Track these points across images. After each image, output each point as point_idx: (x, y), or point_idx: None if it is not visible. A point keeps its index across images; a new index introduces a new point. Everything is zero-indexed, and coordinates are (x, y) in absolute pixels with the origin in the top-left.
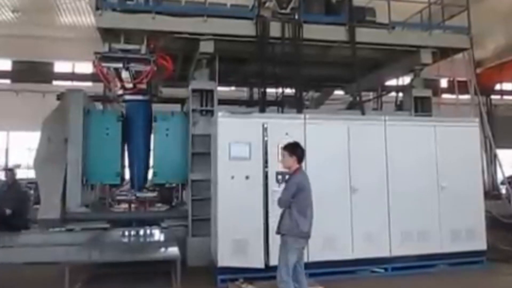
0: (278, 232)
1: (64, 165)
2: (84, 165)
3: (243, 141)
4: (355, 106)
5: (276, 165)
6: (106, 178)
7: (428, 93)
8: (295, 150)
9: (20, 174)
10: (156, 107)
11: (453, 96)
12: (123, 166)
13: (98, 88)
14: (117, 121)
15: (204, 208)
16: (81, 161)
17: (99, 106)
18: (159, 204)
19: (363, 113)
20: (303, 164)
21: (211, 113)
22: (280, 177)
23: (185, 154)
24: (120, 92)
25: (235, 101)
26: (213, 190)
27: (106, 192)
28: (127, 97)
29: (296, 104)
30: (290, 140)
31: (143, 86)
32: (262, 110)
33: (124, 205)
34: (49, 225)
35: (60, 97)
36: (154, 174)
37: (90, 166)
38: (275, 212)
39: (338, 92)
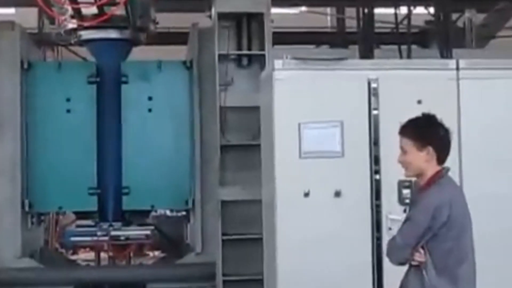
0: None
1: None
2: (26, 174)
3: (327, 120)
4: None
5: (398, 167)
6: (70, 200)
7: None
8: (427, 134)
9: None
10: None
11: None
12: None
13: (25, 18)
14: (88, 83)
15: (246, 258)
16: (20, 165)
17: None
18: (156, 252)
19: None
20: (450, 164)
21: (258, 61)
22: (406, 192)
23: (188, 149)
24: (72, 25)
25: (307, 37)
26: (266, 222)
27: (50, 226)
28: (86, 35)
29: (439, 39)
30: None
31: (118, 12)
32: (366, 55)
33: (87, 253)
34: None
35: None
36: (124, 191)
37: (38, 176)
38: (395, 267)
39: None
